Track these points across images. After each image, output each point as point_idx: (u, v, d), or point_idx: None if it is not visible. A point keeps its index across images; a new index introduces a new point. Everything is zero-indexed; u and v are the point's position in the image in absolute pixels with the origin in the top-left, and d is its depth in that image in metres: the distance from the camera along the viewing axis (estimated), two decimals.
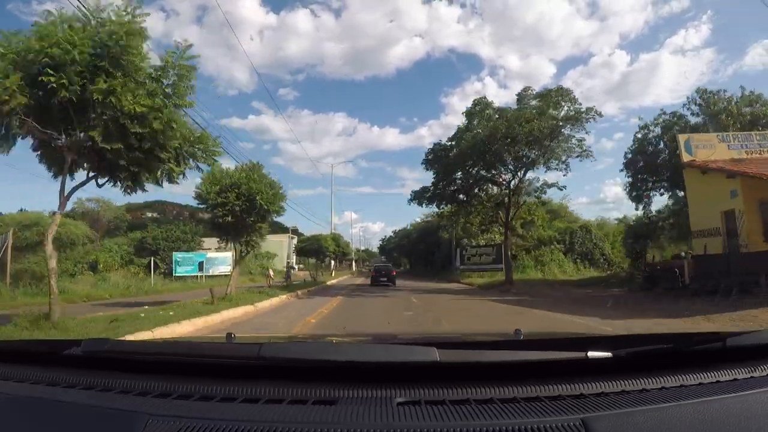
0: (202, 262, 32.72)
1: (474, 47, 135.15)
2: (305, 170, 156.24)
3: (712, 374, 0.97)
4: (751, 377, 0.97)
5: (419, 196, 24.43)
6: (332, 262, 45.52)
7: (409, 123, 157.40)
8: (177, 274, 29.95)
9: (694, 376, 0.96)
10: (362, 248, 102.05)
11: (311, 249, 37.96)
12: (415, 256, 60.11)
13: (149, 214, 59.23)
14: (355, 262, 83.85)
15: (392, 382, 0.93)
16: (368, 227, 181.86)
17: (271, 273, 26.18)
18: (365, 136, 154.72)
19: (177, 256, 30.93)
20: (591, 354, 0.96)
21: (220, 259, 38.82)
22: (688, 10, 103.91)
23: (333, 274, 43.87)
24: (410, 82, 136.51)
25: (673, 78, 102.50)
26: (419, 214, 61.45)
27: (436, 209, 26.69)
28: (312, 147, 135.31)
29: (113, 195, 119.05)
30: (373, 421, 0.81)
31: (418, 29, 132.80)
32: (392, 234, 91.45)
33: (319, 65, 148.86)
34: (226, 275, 35.32)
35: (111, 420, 0.88)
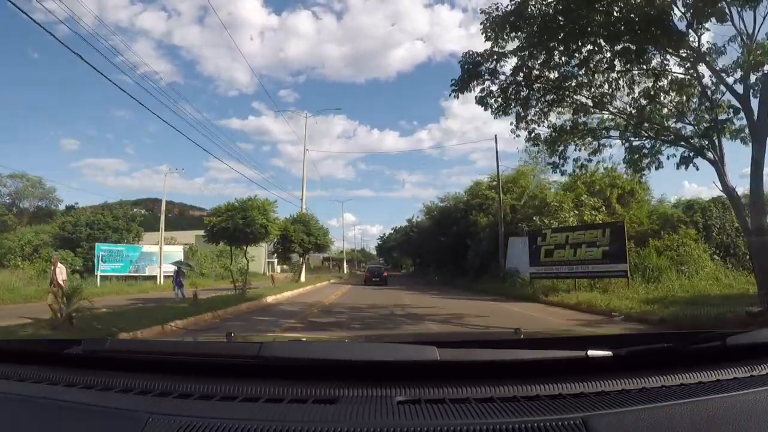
0: (100, 254, 24.22)
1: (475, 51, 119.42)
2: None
3: (713, 373, 0.96)
4: (752, 376, 0.96)
5: (480, 76, 9.48)
6: (300, 259, 28.29)
7: (409, 126, 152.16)
8: (101, 273, 23.10)
9: (695, 375, 0.95)
10: (357, 249, 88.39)
11: (228, 231, 16.28)
12: (429, 254, 40.23)
13: (136, 210, 53.56)
14: (348, 263, 70.28)
15: (392, 381, 0.92)
16: (366, 230, 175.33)
17: (60, 277, 10.22)
18: (365, 138, 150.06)
19: (101, 248, 23.85)
20: (591, 353, 0.95)
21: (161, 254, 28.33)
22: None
23: (302, 279, 26.97)
24: (411, 86, 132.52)
25: None
26: (433, 196, 42.70)
27: (520, 128, 10.18)
28: (310, 149, 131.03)
29: (45, 171, 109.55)
30: (373, 420, 0.80)
31: (419, 33, 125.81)
32: (392, 231, 77.42)
33: (319, 67, 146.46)
34: (167, 276, 23.99)
35: (111, 419, 0.87)
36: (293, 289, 19.47)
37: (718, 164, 8.98)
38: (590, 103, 9.93)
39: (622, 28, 8.67)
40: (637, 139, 10.32)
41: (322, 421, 0.79)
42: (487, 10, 9.68)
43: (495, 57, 9.59)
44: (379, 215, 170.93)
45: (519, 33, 9.61)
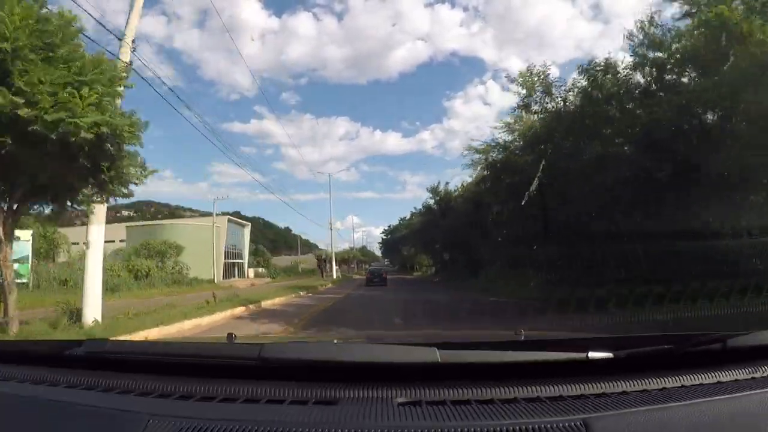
0: None
1: (476, 50, 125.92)
2: (307, 175, 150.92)
3: (713, 375, 0.96)
4: (752, 378, 0.96)
5: None
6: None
7: (411, 127, 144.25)
8: None
9: (695, 376, 0.95)
10: (356, 247, 73.45)
11: None
12: (494, 233, 20.15)
13: (125, 213, 50.51)
14: (345, 263, 55.43)
15: (393, 383, 0.93)
16: (370, 231, 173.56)
17: None
18: (367, 140, 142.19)
19: None
20: (592, 354, 0.95)
21: None
22: (689, 11, 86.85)
23: (98, 313, 8.04)
24: (412, 86, 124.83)
25: None
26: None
27: None
28: (313, 151, 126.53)
29: None
30: (374, 422, 0.81)
31: (420, 33, 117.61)
32: (399, 222, 61.94)
33: (320, 69, 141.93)
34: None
35: (112, 420, 0.87)
36: None
37: None
38: None
39: None
40: None
41: (323, 423, 0.80)
42: None
43: None
44: (382, 217, 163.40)
45: None
